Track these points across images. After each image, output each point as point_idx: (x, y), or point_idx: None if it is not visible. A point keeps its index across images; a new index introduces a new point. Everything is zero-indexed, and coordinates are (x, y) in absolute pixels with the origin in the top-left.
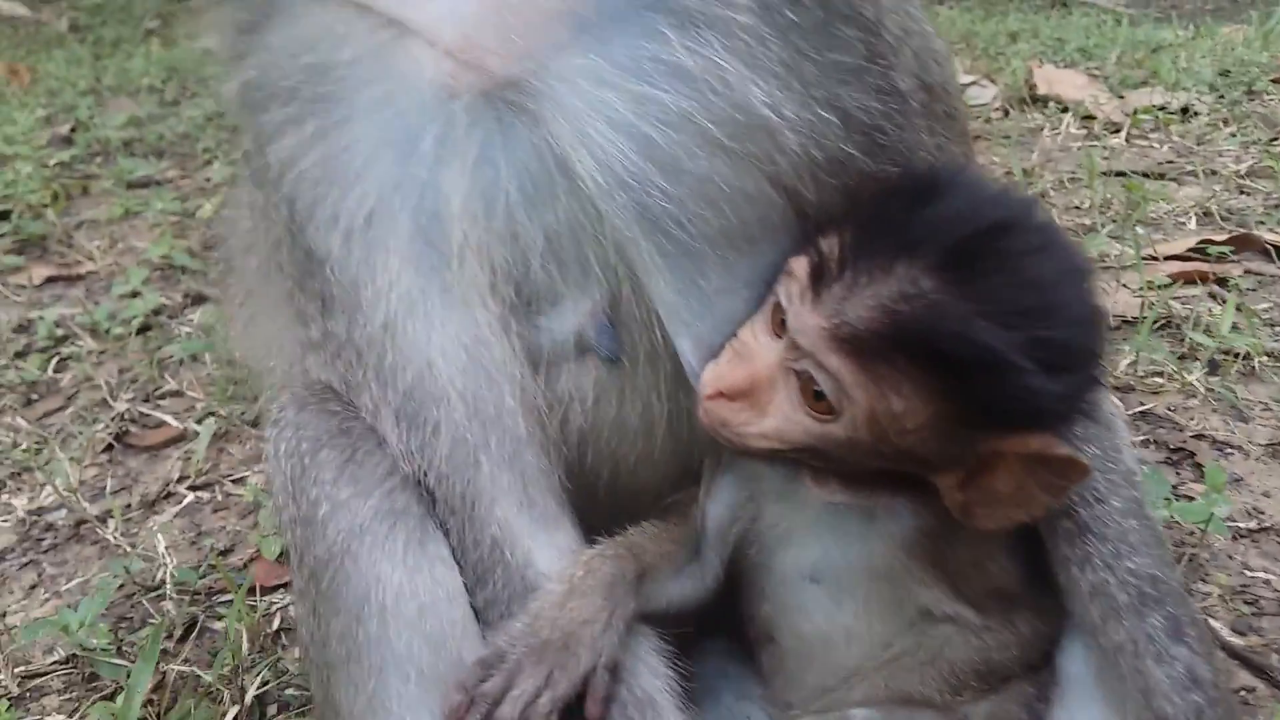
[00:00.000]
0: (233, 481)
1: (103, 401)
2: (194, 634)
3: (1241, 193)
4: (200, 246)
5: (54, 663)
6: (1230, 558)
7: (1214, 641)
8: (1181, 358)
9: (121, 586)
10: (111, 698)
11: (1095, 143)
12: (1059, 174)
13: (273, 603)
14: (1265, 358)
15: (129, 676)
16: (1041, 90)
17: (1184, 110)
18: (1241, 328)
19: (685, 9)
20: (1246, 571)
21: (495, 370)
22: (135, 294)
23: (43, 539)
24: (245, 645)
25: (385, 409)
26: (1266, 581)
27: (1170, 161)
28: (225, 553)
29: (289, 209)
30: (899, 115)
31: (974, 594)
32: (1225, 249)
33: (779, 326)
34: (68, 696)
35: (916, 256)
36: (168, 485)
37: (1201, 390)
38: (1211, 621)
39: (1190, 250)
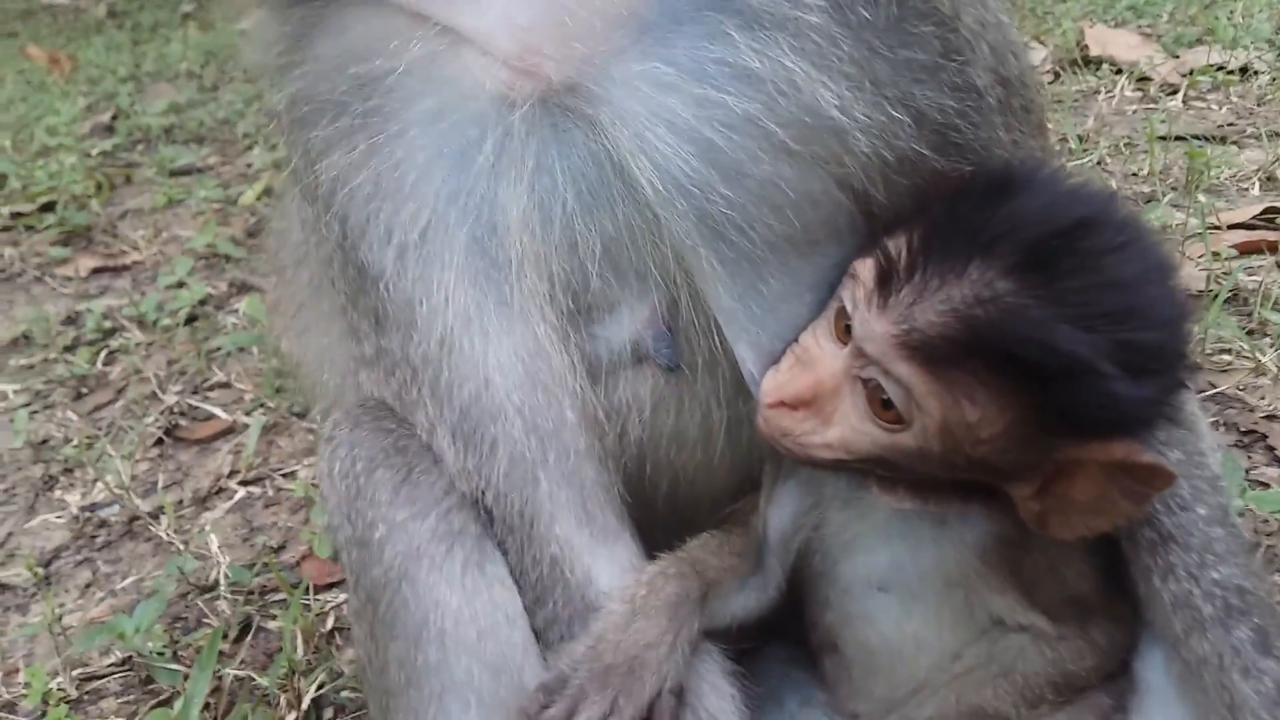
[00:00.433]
0: (283, 476)
1: (152, 394)
2: (249, 635)
3: None
4: (244, 234)
5: (111, 665)
6: None
7: None
8: (1250, 333)
9: (177, 583)
10: (168, 703)
11: (1152, 105)
12: (1115, 139)
13: (326, 601)
14: None
15: (185, 681)
16: (1094, 52)
17: (1243, 70)
18: None
19: (752, 9)
20: None
21: (553, 383)
22: (181, 284)
23: (96, 536)
24: (300, 647)
25: (441, 427)
26: None
27: (1230, 124)
28: (277, 550)
29: (340, 225)
30: (975, 113)
31: (1049, 602)
32: None
33: (843, 332)
34: (125, 699)
35: (992, 257)
36: (218, 480)
37: (1274, 369)
38: None
39: (1255, 218)
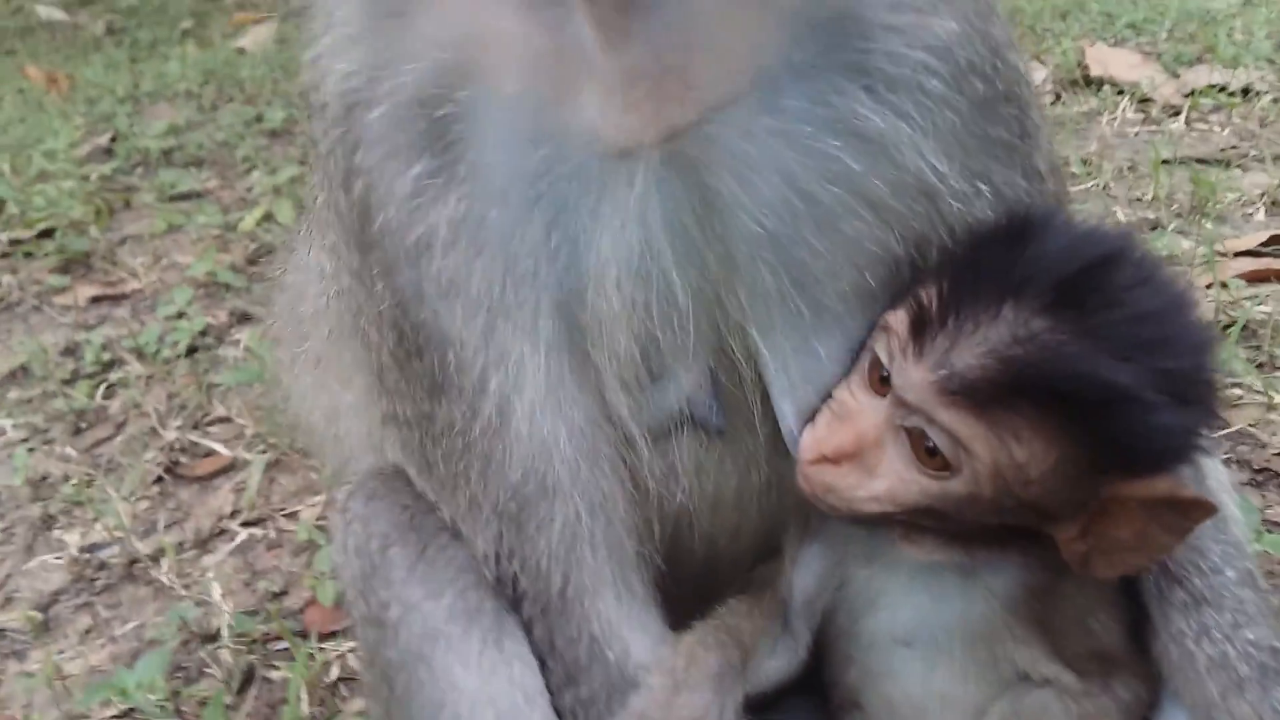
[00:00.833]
0: (285, 516)
1: (152, 430)
2: (252, 686)
3: None
4: (244, 261)
5: (112, 717)
6: None
7: None
8: (1260, 366)
9: (179, 630)
10: None
11: (1154, 128)
12: (1118, 163)
13: (331, 650)
14: None
15: None
16: (1095, 72)
17: (1245, 90)
18: None
19: (881, 71)
20: None
21: (611, 455)
22: (181, 314)
23: (96, 579)
24: (305, 699)
25: (484, 503)
26: None
27: (1234, 146)
28: (280, 595)
29: (397, 280)
30: (1037, 195)
31: (1074, 654)
32: None
33: (878, 383)
34: None
35: (1024, 298)
36: (220, 520)
37: None
38: None
39: (1262, 245)
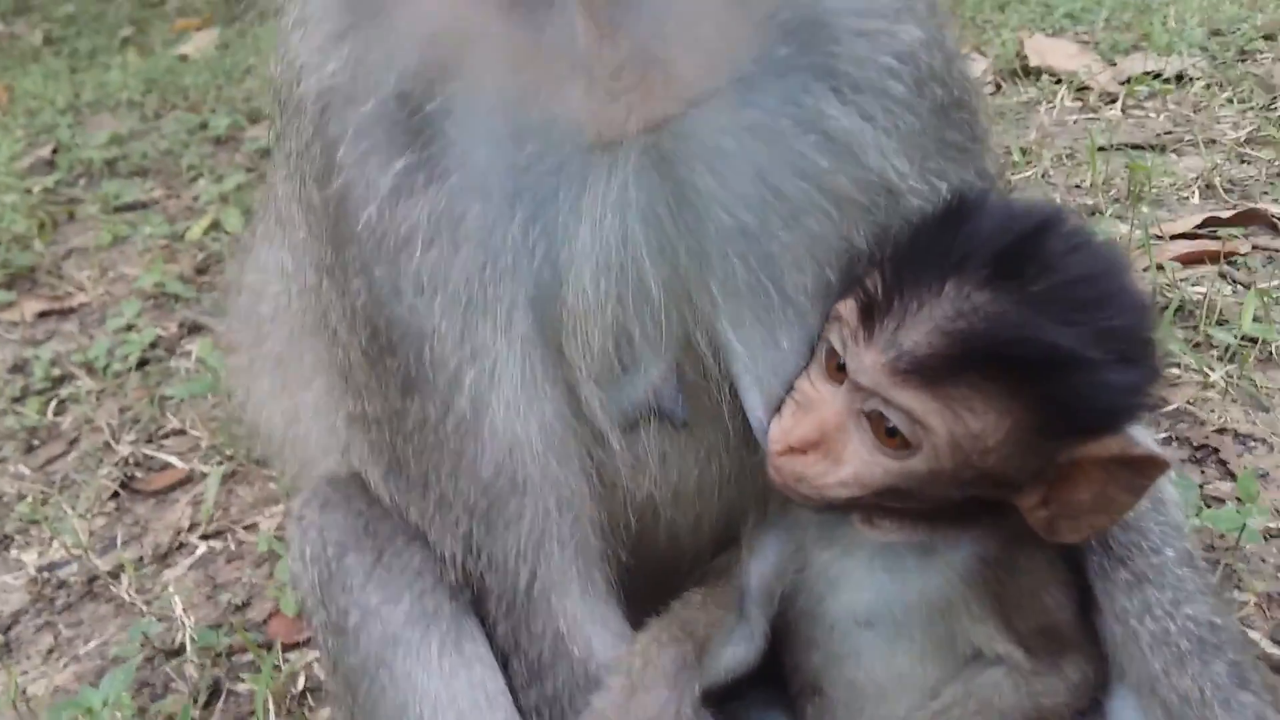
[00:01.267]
0: (244, 528)
1: (105, 445)
2: (219, 700)
3: (1242, 162)
4: (192, 271)
5: None
6: (1263, 560)
7: (1258, 656)
8: (1196, 346)
9: (142, 646)
10: None
11: (1093, 115)
12: (1057, 150)
13: (296, 660)
14: None
15: None
16: (1034, 62)
17: (1178, 77)
18: (1259, 315)
19: (848, 75)
20: None
21: (580, 449)
22: (130, 327)
23: (55, 598)
24: (272, 711)
25: (456, 501)
26: None
27: (1168, 132)
28: (242, 607)
29: (370, 275)
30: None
31: (1026, 630)
32: (1234, 231)
33: (835, 371)
34: None
35: (964, 273)
36: (178, 534)
37: (1220, 382)
38: (1250, 632)
39: (1196, 228)
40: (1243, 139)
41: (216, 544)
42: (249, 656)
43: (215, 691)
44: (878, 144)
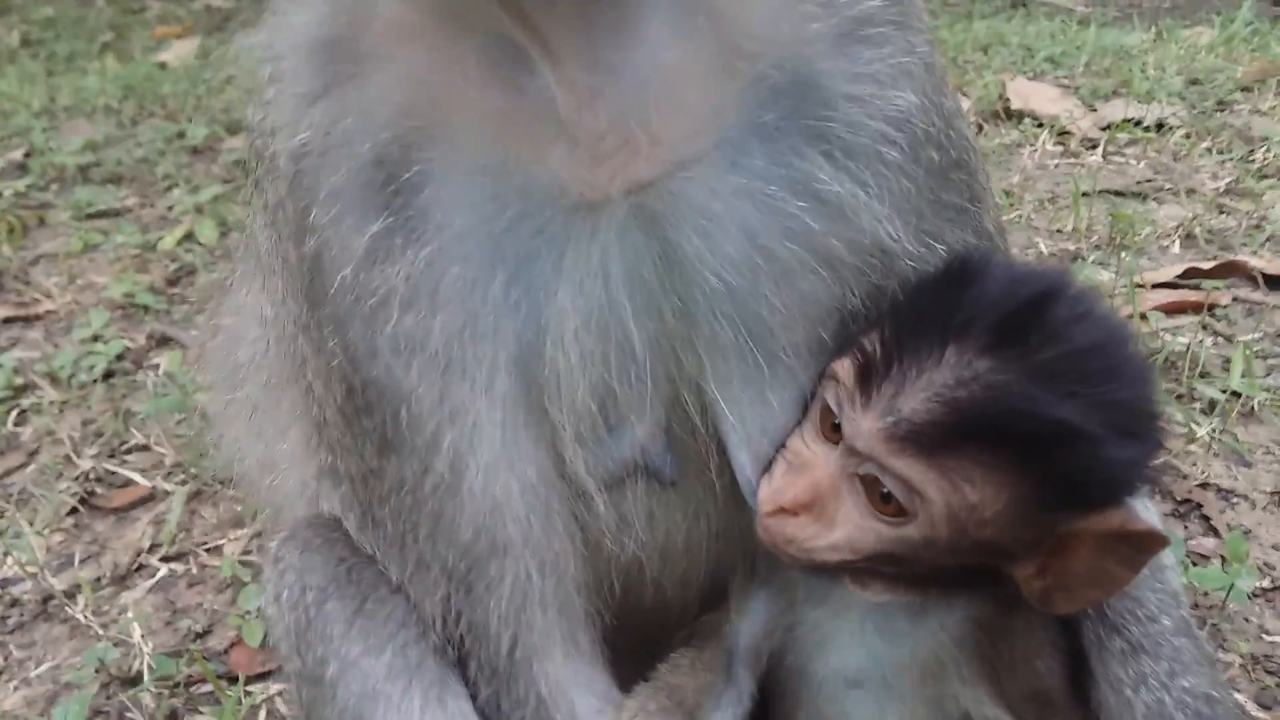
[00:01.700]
0: (207, 551)
1: (66, 459)
2: None
3: (1221, 212)
4: (163, 282)
5: None
6: (1247, 620)
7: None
8: (1179, 398)
9: (97, 672)
10: None
11: (1074, 160)
12: (1039, 194)
13: (258, 694)
14: (1264, 394)
15: None
16: (1015, 105)
17: (1159, 125)
18: (1244, 371)
19: (840, 139)
20: (1265, 636)
21: (563, 511)
22: (97, 337)
23: (8, 617)
24: None
25: (434, 564)
26: None
27: (1149, 180)
28: (203, 635)
29: (346, 334)
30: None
31: (1017, 696)
32: (1215, 283)
33: (830, 431)
34: None
35: (966, 340)
36: (139, 555)
37: (1205, 436)
38: (1235, 694)
39: (1178, 278)
40: (1222, 189)
41: (178, 566)
42: (209, 687)
43: None
44: (871, 209)
